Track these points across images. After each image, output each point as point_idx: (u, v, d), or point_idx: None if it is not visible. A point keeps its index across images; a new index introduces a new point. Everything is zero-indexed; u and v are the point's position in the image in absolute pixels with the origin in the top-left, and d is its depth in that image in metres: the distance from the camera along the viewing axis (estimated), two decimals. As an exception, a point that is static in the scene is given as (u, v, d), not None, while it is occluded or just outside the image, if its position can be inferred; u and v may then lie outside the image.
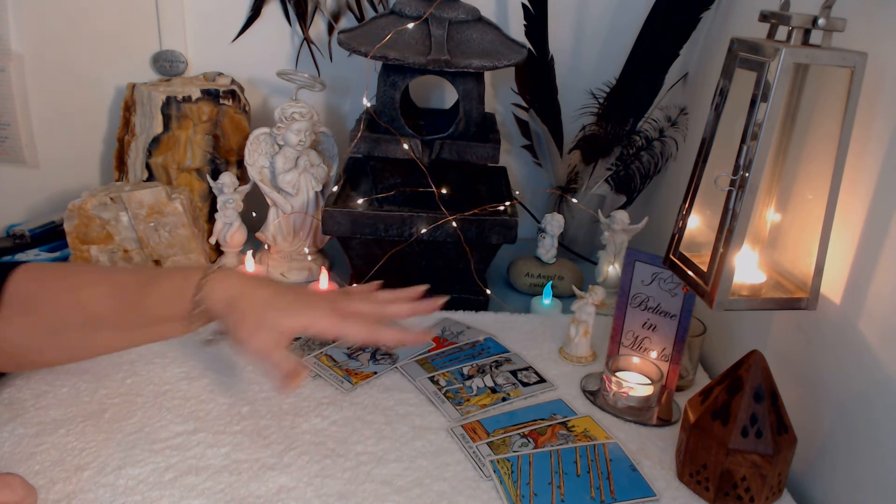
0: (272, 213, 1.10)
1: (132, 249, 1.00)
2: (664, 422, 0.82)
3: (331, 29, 1.20)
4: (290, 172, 1.07)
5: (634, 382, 0.82)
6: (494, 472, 0.71)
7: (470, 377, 0.87)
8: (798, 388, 0.76)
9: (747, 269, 0.72)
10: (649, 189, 1.21)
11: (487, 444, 0.75)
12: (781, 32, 0.67)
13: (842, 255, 0.70)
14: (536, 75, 1.16)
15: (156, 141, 1.08)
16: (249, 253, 1.09)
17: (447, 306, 1.02)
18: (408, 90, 1.11)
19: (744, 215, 0.66)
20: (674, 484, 0.72)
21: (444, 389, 0.84)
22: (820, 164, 0.68)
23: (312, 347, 0.91)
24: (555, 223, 1.10)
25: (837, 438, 0.70)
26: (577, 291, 0.95)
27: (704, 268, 0.70)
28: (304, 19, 1.17)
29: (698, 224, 0.75)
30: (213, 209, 1.12)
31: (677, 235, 0.76)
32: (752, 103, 0.64)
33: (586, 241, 1.27)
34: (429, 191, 0.98)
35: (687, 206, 0.74)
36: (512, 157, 1.30)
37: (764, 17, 0.68)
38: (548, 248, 1.11)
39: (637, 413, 0.82)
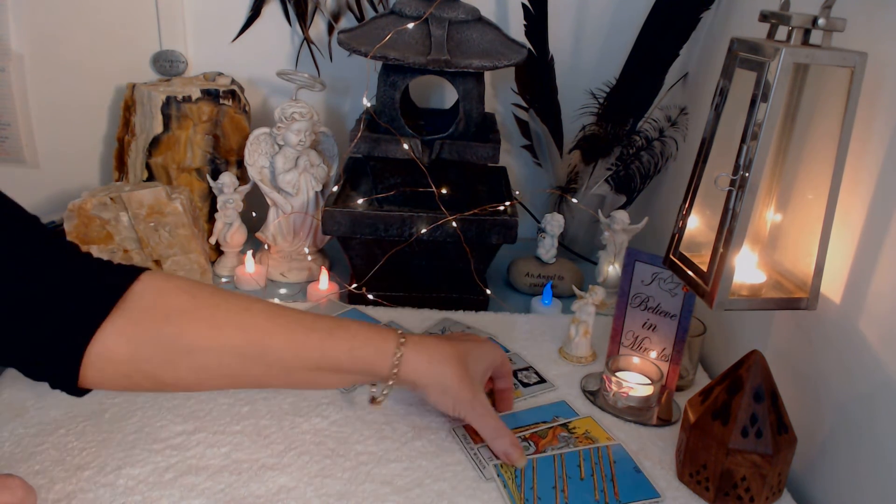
0: (272, 213, 1.10)
1: (132, 249, 1.00)
2: (664, 422, 0.82)
3: (331, 29, 1.20)
4: (290, 172, 1.07)
5: (634, 382, 0.82)
6: (498, 476, 0.71)
7: (470, 377, 0.87)
8: (798, 388, 0.76)
9: (747, 269, 0.72)
10: (649, 189, 1.21)
11: (489, 447, 0.75)
12: (781, 32, 0.67)
13: (842, 255, 0.70)
14: (536, 75, 1.16)
15: (156, 141, 1.08)
16: (249, 253, 1.09)
17: (447, 306, 1.03)
18: (408, 90, 1.11)
19: (744, 215, 0.66)
20: (674, 484, 0.72)
21: (445, 389, 0.84)
22: (820, 164, 0.68)
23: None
24: (555, 223, 1.10)
25: (837, 438, 0.70)
26: (577, 291, 0.95)
27: (704, 268, 0.70)
28: (304, 19, 1.17)
29: (698, 224, 0.75)
30: (213, 209, 1.12)
31: (677, 235, 0.76)
32: (752, 103, 0.64)
33: (586, 241, 1.27)
34: (429, 191, 0.98)
35: (687, 206, 0.74)
36: (512, 157, 1.30)
37: (764, 17, 0.68)
38: (548, 248, 1.11)
39: (637, 413, 0.82)
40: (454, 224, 0.97)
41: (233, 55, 1.21)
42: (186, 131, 1.09)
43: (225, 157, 1.13)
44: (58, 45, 1.17)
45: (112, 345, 0.61)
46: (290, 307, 0.70)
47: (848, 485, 0.68)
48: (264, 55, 1.21)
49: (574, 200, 1.21)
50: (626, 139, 1.16)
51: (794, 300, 0.70)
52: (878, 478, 0.65)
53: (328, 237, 1.13)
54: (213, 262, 1.11)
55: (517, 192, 1.09)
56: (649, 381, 0.83)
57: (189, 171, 1.10)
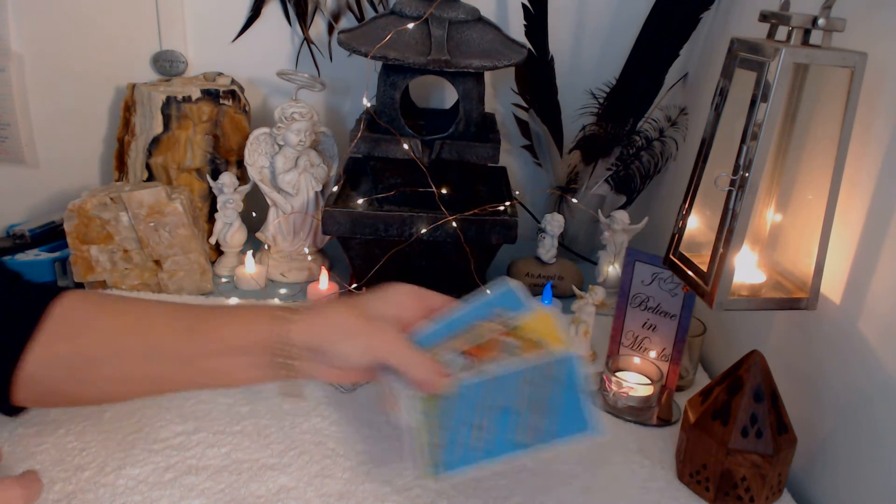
0: (272, 213, 1.10)
1: (132, 249, 1.00)
2: (664, 422, 0.82)
3: (331, 29, 1.20)
4: (290, 172, 1.07)
5: (634, 382, 0.82)
6: (416, 413, 0.58)
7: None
8: (798, 389, 0.76)
9: (747, 269, 0.72)
10: (649, 189, 1.21)
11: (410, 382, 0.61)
12: (781, 32, 0.67)
13: (842, 255, 0.70)
14: (536, 75, 1.16)
15: (156, 141, 1.08)
16: (249, 253, 1.09)
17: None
18: (408, 90, 1.11)
19: (744, 215, 0.66)
20: (674, 484, 0.72)
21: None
22: (820, 164, 0.68)
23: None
24: (555, 223, 1.10)
25: (837, 438, 0.70)
26: (577, 291, 0.95)
27: (704, 268, 0.70)
28: (304, 19, 1.17)
29: (698, 224, 0.75)
30: (213, 209, 1.12)
31: (677, 235, 0.76)
32: (752, 103, 0.64)
33: (586, 241, 1.27)
34: (429, 191, 0.98)
35: (687, 206, 0.74)
36: (512, 157, 1.30)
37: (764, 17, 0.68)
38: (548, 248, 1.11)
39: (637, 413, 0.82)
40: (454, 224, 0.97)
41: (233, 55, 1.20)
42: (186, 131, 1.09)
43: (225, 157, 1.13)
44: (58, 45, 1.17)
45: (31, 370, 0.62)
46: (194, 304, 0.68)
47: (848, 485, 0.68)
48: (264, 55, 1.21)
49: (574, 200, 1.21)
50: (626, 139, 1.16)
51: (794, 300, 0.70)
52: (878, 477, 0.65)
53: (328, 237, 1.13)
54: (213, 262, 1.11)
55: (517, 192, 1.09)
56: (649, 381, 0.83)
57: (189, 171, 1.10)
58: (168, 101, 1.07)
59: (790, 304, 0.70)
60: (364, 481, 0.69)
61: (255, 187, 1.10)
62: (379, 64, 0.98)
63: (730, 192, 0.66)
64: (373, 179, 1.02)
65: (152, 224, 0.98)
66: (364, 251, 1.01)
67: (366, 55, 0.92)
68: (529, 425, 0.58)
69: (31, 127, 1.20)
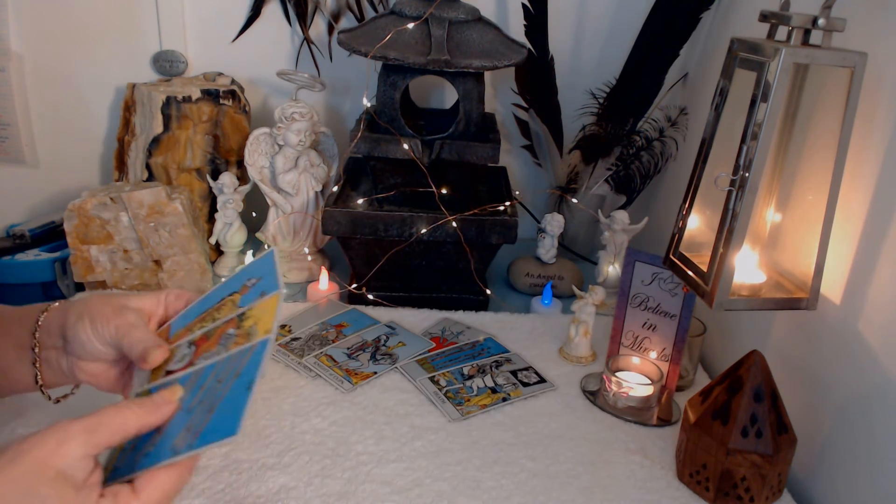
0: (272, 213, 1.10)
1: (132, 249, 1.00)
2: (664, 422, 0.82)
3: (331, 29, 1.20)
4: (290, 172, 1.07)
5: (634, 382, 0.82)
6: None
7: (470, 377, 0.87)
8: (798, 389, 0.76)
9: (747, 269, 0.72)
10: (649, 189, 1.21)
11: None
12: (781, 32, 0.67)
13: (842, 256, 0.70)
14: (536, 75, 1.16)
15: (156, 141, 1.08)
16: (249, 253, 1.09)
17: (447, 306, 1.03)
18: (408, 90, 1.11)
19: (744, 215, 0.66)
20: (674, 484, 0.72)
21: (445, 389, 0.84)
22: (820, 164, 0.68)
23: (313, 347, 0.91)
24: (555, 223, 1.10)
25: (837, 439, 0.70)
26: (577, 291, 0.95)
27: (704, 268, 0.70)
28: (304, 19, 1.17)
29: (698, 224, 0.75)
30: (213, 209, 1.12)
31: (677, 235, 0.76)
32: (752, 103, 0.64)
33: (586, 241, 1.27)
34: (429, 191, 0.98)
35: (687, 206, 0.74)
36: (512, 157, 1.30)
37: (764, 17, 0.68)
38: (548, 248, 1.11)
39: (637, 413, 0.82)
40: (454, 224, 0.97)
41: (233, 55, 1.21)
42: (186, 131, 1.09)
43: (225, 157, 1.13)
44: (58, 45, 1.17)
45: None
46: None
47: (848, 485, 0.68)
48: (264, 55, 1.21)
49: (574, 200, 1.21)
50: (626, 139, 1.16)
51: (794, 300, 0.70)
52: (877, 477, 0.65)
53: (328, 237, 1.13)
54: (213, 262, 1.11)
55: (517, 192, 1.09)
56: (649, 381, 0.83)
57: (189, 171, 1.10)
58: (168, 101, 1.07)
59: (790, 304, 0.70)
60: (364, 481, 0.69)
61: (255, 187, 1.10)
62: (379, 64, 0.98)
63: (730, 191, 0.66)
64: (373, 179, 1.02)
65: (152, 224, 0.98)
66: (364, 251, 1.01)
67: (366, 55, 0.92)
68: (188, 427, 0.49)
69: (31, 127, 1.20)
